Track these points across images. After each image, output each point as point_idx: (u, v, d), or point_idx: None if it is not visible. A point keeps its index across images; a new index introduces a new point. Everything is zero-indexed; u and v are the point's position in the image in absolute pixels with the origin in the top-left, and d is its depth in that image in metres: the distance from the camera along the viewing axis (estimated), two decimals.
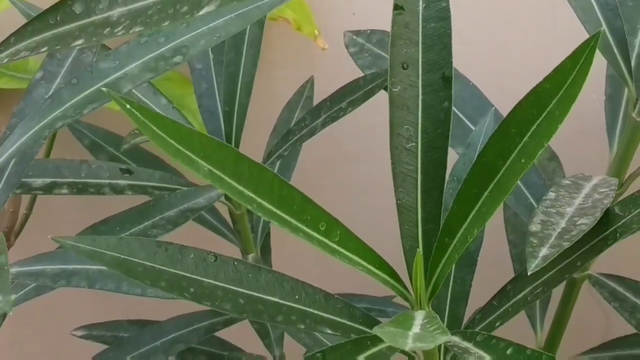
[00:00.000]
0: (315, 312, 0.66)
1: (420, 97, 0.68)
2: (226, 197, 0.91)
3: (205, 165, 0.60)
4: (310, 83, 1.05)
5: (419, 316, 0.63)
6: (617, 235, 0.69)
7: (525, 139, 0.62)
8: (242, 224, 0.95)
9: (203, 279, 0.65)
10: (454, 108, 0.69)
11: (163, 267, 0.65)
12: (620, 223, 0.69)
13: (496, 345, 0.63)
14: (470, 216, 0.65)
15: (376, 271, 0.67)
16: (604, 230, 0.70)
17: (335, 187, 1.14)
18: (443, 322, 0.73)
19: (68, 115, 0.69)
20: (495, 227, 0.87)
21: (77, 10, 0.62)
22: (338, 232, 0.65)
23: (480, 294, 0.77)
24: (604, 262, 0.85)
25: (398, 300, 0.98)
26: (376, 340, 0.65)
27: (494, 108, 0.83)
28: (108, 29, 0.61)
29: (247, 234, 0.96)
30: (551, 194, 0.73)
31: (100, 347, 0.99)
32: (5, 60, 0.63)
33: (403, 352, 0.69)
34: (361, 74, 0.89)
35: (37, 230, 1.02)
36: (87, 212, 1.02)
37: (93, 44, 0.75)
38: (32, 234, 1.02)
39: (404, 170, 0.68)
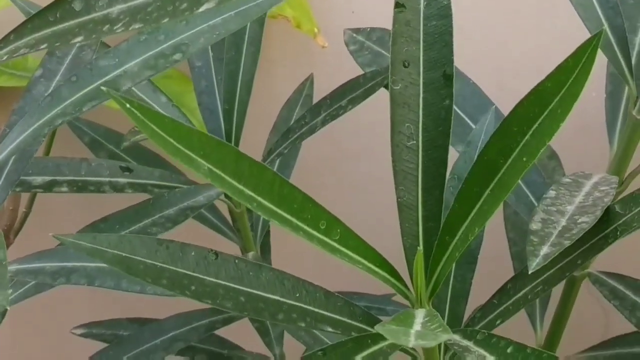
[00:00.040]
0: (316, 310, 0.66)
1: (421, 95, 0.68)
2: (226, 195, 0.91)
3: (205, 164, 0.60)
4: (309, 81, 1.04)
5: (420, 314, 0.63)
6: (618, 233, 0.69)
7: (527, 137, 0.62)
8: (242, 222, 0.95)
9: (204, 277, 0.65)
10: (454, 106, 0.69)
11: (164, 265, 0.65)
12: (620, 221, 0.69)
13: (497, 344, 0.63)
14: (472, 214, 0.65)
15: (376, 269, 0.67)
16: (605, 229, 0.70)
17: (335, 185, 1.14)
18: (443, 320, 0.73)
19: (68, 113, 0.69)
20: (494, 225, 0.87)
21: (76, 7, 0.61)
22: (338, 230, 0.65)
23: (479, 292, 0.77)
24: (604, 260, 0.85)
25: (397, 298, 0.98)
26: (377, 338, 0.65)
27: (494, 106, 0.83)
28: (107, 25, 0.61)
29: (246, 232, 0.96)
30: (552, 192, 0.73)
31: (100, 345, 0.99)
32: (5, 58, 0.63)
33: (403, 350, 0.69)
34: (361, 72, 0.88)
35: (36, 228, 1.01)
36: (87, 211, 1.02)
37: (92, 41, 0.75)
38: (31, 233, 1.02)
39: (405, 168, 0.68)
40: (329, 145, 1.11)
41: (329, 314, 0.67)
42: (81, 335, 1.02)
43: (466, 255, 0.75)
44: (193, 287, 0.65)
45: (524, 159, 0.62)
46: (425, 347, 0.67)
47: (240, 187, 0.62)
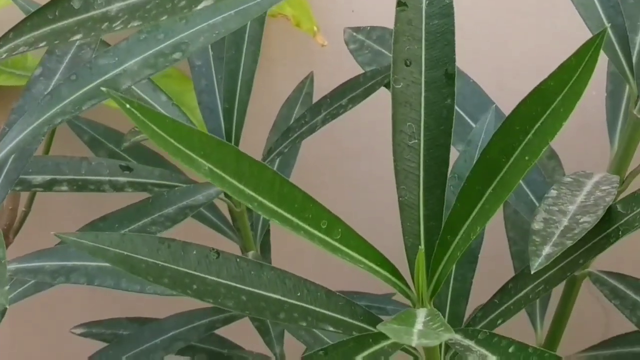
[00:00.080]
0: (317, 309, 0.66)
1: (423, 94, 0.68)
2: (226, 194, 0.91)
3: (205, 164, 0.60)
4: (309, 79, 1.04)
5: (421, 314, 0.63)
6: (620, 233, 0.69)
7: (529, 136, 0.62)
8: (242, 222, 0.95)
9: (206, 276, 0.65)
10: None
11: (166, 264, 0.64)
12: (622, 221, 0.69)
13: (498, 343, 0.63)
14: (473, 213, 0.65)
15: (378, 269, 0.67)
16: (607, 228, 0.70)
17: (335, 185, 1.14)
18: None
19: (67, 112, 0.69)
20: (494, 225, 0.87)
21: (75, 5, 0.61)
22: (339, 230, 0.65)
23: (478, 291, 0.77)
24: (604, 260, 0.85)
25: (398, 298, 0.98)
26: (378, 337, 0.65)
27: (494, 105, 0.83)
28: (106, 23, 0.61)
29: (246, 232, 0.96)
30: (553, 192, 0.72)
31: (99, 345, 0.99)
32: (4, 56, 0.63)
33: (404, 350, 0.69)
34: (360, 71, 0.88)
35: (35, 228, 1.01)
36: (87, 210, 1.01)
37: (91, 38, 0.75)
38: (31, 232, 1.02)
39: (406, 168, 0.68)
40: (329, 144, 1.11)
41: (330, 313, 0.67)
42: (81, 334, 1.02)
43: (467, 255, 0.75)
44: (195, 286, 0.65)
45: (526, 157, 0.62)
46: (427, 346, 0.67)
47: (241, 186, 0.61)
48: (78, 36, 0.61)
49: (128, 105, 0.58)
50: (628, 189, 0.80)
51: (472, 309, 0.77)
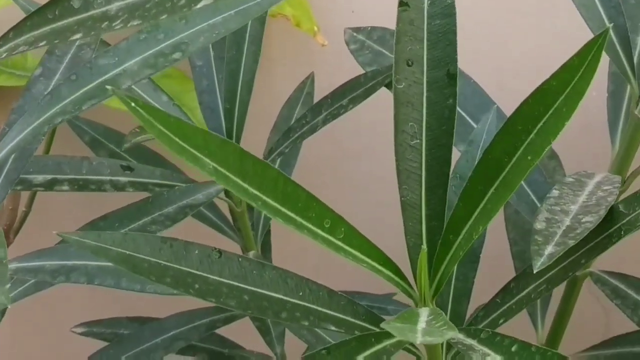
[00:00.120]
0: (319, 309, 0.66)
1: (424, 94, 0.68)
2: (226, 194, 0.91)
3: (209, 163, 0.60)
4: (310, 79, 1.04)
5: (424, 313, 0.63)
6: (622, 233, 0.69)
7: (532, 136, 0.62)
8: (242, 221, 0.95)
9: (208, 276, 0.65)
10: None
11: (168, 264, 0.64)
12: (624, 221, 0.69)
13: (501, 342, 0.63)
14: (476, 213, 0.65)
15: (381, 268, 0.67)
16: (608, 228, 0.70)
17: (336, 185, 1.14)
18: None
19: (67, 112, 0.69)
20: (495, 225, 0.87)
21: (75, 4, 0.62)
22: (342, 229, 0.65)
23: (478, 291, 0.77)
24: (606, 260, 0.85)
25: (399, 298, 0.98)
26: (380, 337, 0.65)
27: (496, 105, 0.83)
28: (106, 22, 0.61)
29: (247, 231, 0.96)
30: (555, 192, 0.72)
31: (99, 344, 0.99)
32: (4, 55, 0.63)
33: (407, 349, 0.69)
34: (361, 71, 0.88)
35: (36, 228, 1.01)
36: (87, 209, 1.01)
37: (91, 38, 0.75)
38: (31, 232, 1.02)
39: (408, 167, 0.68)
40: (330, 144, 1.11)
41: (332, 312, 0.67)
42: (81, 334, 1.02)
43: (469, 254, 0.75)
44: (197, 286, 0.65)
45: (529, 157, 0.62)
46: (431, 344, 0.67)
47: (245, 185, 0.61)
48: (78, 35, 0.61)
49: (133, 104, 0.58)
50: (629, 189, 0.80)
51: (473, 308, 0.77)
